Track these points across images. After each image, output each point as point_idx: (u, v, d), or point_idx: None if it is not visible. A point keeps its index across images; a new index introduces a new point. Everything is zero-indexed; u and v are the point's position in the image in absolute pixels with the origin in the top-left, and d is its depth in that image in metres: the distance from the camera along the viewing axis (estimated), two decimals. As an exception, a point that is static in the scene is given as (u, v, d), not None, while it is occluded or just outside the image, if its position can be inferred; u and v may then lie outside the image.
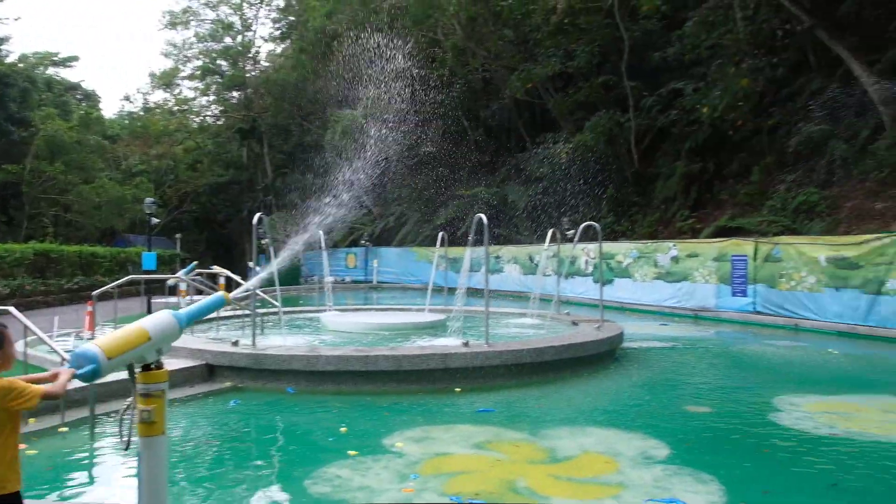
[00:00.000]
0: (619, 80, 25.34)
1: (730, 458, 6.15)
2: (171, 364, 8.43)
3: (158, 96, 76.76)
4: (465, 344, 9.19)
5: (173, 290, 17.22)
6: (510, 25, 27.83)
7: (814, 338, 13.93)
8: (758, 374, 10.49)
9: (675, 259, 18.75)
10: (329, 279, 17.56)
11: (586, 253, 22.30)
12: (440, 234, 16.82)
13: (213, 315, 12.57)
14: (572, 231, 19.26)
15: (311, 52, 39.46)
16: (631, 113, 24.62)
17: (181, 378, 8.44)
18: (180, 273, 14.63)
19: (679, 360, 11.54)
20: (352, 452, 6.03)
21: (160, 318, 3.44)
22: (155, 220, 28.52)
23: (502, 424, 7.08)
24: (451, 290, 16.78)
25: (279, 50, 56.19)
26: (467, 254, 15.55)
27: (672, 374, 10.39)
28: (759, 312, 16.12)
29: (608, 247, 20.89)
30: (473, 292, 16.13)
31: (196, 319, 3.79)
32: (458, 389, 8.57)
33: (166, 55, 58.37)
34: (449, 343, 10.01)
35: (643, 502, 4.92)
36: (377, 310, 16.92)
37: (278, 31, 54.66)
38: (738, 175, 20.84)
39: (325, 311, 14.86)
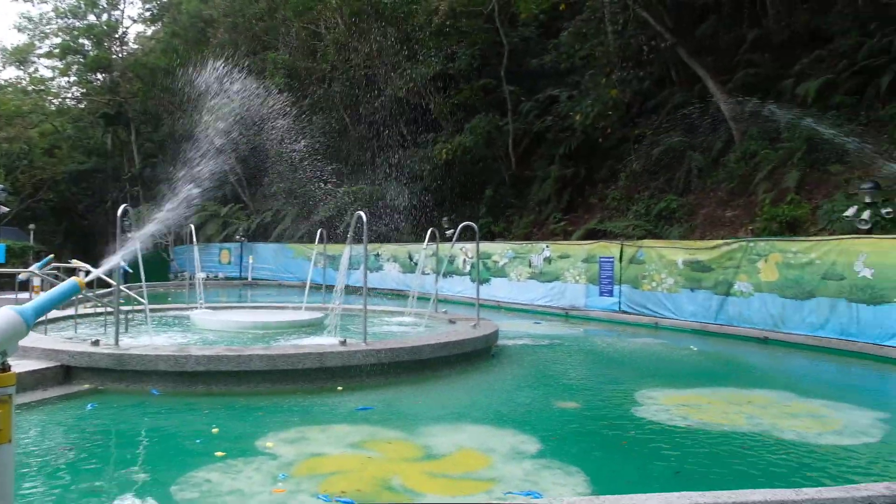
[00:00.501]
0: (498, 84, 26.00)
1: (594, 450, 6.50)
2: (20, 366, 7.82)
3: (10, 73, 70.51)
4: (343, 342, 9.13)
5: (25, 286, 15.90)
6: (393, 23, 27.87)
7: (671, 335, 14.94)
8: (621, 370, 11.12)
9: (548, 260, 19.50)
10: (200, 275, 16.85)
11: (464, 252, 22.73)
12: (319, 231, 16.58)
13: (73, 312, 11.74)
14: (451, 230, 19.58)
15: (184, 38, 37.68)
16: (509, 117, 25.34)
17: (32, 381, 7.82)
18: (34, 267, 13.52)
19: (550, 357, 12.02)
20: (220, 454, 5.84)
21: (1, 315, 3.17)
22: (4, 209, 26.19)
23: (379, 423, 7.09)
24: (330, 288, 16.61)
25: (150, 32, 53.18)
26: (346, 251, 15.42)
27: (544, 370, 10.82)
28: (623, 311, 17.08)
29: (485, 247, 21.40)
30: (352, 290, 16.01)
31: (45, 311, 3.50)
32: (339, 388, 8.51)
33: (20, 29, 53.62)
34: (326, 342, 9.89)
35: (503, 495, 5.10)
36: (252, 307, 16.44)
37: (149, 13, 51.73)
38: (607, 180, 21.99)
39: (195, 308, 14.25)
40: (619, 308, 17.22)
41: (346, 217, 26.02)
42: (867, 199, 12.62)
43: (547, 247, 19.79)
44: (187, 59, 37.15)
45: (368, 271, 15.73)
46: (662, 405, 8.20)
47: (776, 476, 5.66)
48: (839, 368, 11.34)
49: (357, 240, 11.54)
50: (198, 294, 15.40)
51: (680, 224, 17.67)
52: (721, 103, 18.63)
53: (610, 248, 17.64)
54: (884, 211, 12.50)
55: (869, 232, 12.42)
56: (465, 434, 6.85)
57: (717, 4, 22.02)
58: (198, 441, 6.38)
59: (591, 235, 19.44)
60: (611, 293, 17.49)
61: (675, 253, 15.98)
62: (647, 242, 16.95)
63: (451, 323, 12.69)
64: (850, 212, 12.84)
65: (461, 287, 22.52)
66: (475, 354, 10.62)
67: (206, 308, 14.42)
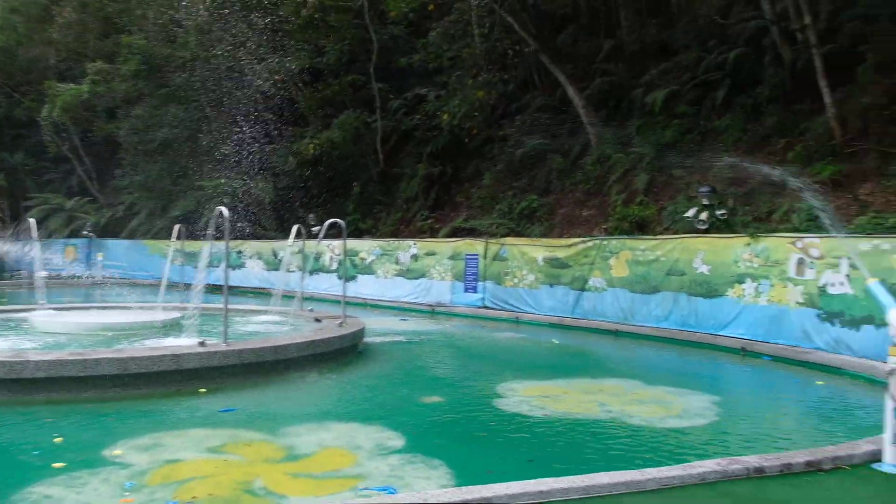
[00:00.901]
0: (367, 80, 25.88)
1: (457, 443, 6.66)
2: None
3: None
4: (201, 343, 8.76)
5: None
6: (259, 13, 26.99)
7: (532, 329, 15.56)
8: (485, 364, 11.46)
9: (415, 257, 19.70)
10: (42, 273, 15.54)
11: (331, 250, 22.47)
12: (176, 227, 15.77)
13: None
14: (318, 227, 19.30)
15: (25, 14, 34.48)
16: (378, 114, 25.30)
17: None
18: None
19: (416, 353, 12.17)
20: (61, 465, 5.44)
21: None
22: None
23: (240, 425, 6.88)
24: (188, 287, 15.84)
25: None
26: (206, 248, 14.80)
27: (410, 366, 10.93)
28: (487, 307, 17.59)
29: (352, 244, 21.27)
30: (212, 289, 15.39)
31: None
32: (202, 390, 8.17)
33: None
34: (183, 343, 9.45)
35: (360, 491, 5.12)
36: (101, 308, 15.36)
37: (-19, -15, 46.88)
38: (473, 179, 22.51)
39: (35, 309, 13.12)
40: (483, 304, 17.71)
41: (206, 212, 24.94)
42: (705, 202, 13.75)
43: (414, 244, 19.98)
44: (29, 38, 34.12)
45: (230, 269, 15.20)
46: (523, 396, 8.54)
47: (625, 459, 6.06)
48: (680, 357, 12.29)
49: (218, 236, 11.11)
50: (38, 294, 14.19)
51: (541, 223, 18.42)
52: (579, 109, 19.60)
53: (475, 246, 18.09)
54: (719, 213, 13.67)
55: (706, 232, 13.55)
56: (331, 432, 6.80)
57: (575, 14, 23.12)
58: (36, 453, 5.89)
59: (457, 233, 19.84)
60: (475, 289, 17.95)
61: (535, 250, 16.65)
62: (510, 240, 17.54)
63: (316, 321, 12.51)
64: (691, 213, 13.94)
65: (328, 284, 22.25)
66: (342, 352, 10.55)
67: (49, 309, 13.31)
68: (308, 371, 9.50)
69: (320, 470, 5.71)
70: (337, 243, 22.21)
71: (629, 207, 16.21)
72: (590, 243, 15.47)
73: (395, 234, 22.48)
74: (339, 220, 13.08)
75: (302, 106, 27.91)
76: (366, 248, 21.39)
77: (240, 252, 25.84)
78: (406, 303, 19.53)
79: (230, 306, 9.87)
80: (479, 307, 17.71)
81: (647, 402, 8.35)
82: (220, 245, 11.14)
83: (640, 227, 15.74)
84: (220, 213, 9.68)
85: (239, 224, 24.17)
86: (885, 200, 12.17)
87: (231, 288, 12.34)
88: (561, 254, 16.00)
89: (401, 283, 20.04)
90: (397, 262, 20.25)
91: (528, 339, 14.22)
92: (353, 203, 25.10)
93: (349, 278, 20.09)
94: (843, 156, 13.39)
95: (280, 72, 25.89)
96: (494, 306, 17.45)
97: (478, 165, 22.50)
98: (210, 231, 11.33)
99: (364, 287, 20.97)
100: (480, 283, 17.82)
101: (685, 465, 5.30)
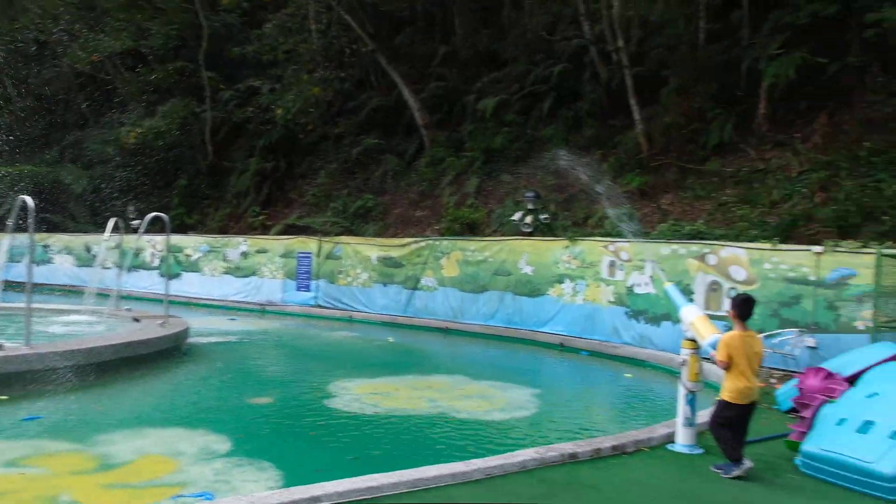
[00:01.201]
0: (196, 68, 24.59)
1: (287, 444, 6.58)
2: None
3: None
4: None
5: None
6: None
7: (365, 328, 15.64)
8: (317, 363, 11.37)
9: (245, 254, 19.06)
10: None
11: (152, 245, 21.13)
12: (-30, 217, 14.12)
13: None
14: (138, 221, 18.08)
15: None
16: (208, 104, 24.15)
17: None
18: None
19: (245, 354, 11.80)
20: None
21: None
22: None
23: (46, 435, 6.33)
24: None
25: None
26: (6, 241, 13.39)
27: (237, 367, 10.58)
28: (320, 306, 17.41)
29: (177, 239, 20.15)
30: (13, 286, 13.93)
31: None
32: (2, 398, 7.38)
33: None
34: (-23, 346, 8.48)
35: (173, 499, 4.93)
36: None
37: None
38: (307, 176, 22.16)
39: None
40: (316, 303, 17.52)
41: (7, 202, 22.48)
42: (529, 206, 14.58)
43: (244, 241, 19.32)
44: None
45: (35, 264, 13.87)
46: (355, 394, 8.59)
47: (454, 450, 6.31)
48: (505, 353, 12.94)
49: (21, 228, 10.08)
50: None
51: (375, 222, 18.56)
52: (414, 111, 19.97)
53: (308, 244, 17.84)
54: (542, 217, 14.56)
55: (530, 235, 14.37)
56: (150, 439, 6.45)
57: (413, 18, 23.52)
58: None
59: (290, 231, 19.44)
60: (308, 288, 17.70)
61: (369, 249, 16.75)
62: (344, 239, 17.49)
63: (135, 321, 11.73)
64: (517, 216, 14.72)
65: (148, 282, 20.91)
66: (163, 354, 9.99)
67: None
68: (125, 375, 8.91)
69: (138, 479, 5.41)
70: (160, 238, 20.93)
71: (460, 209, 16.79)
72: (423, 243, 15.83)
73: (224, 231, 21.59)
74: (162, 213, 12.36)
75: (123, 91, 25.97)
76: (192, 244, 20.33)
77: (46, 246, 23.52)
78: (235, 301, 18.83)
79: (34, 305, 9.01)
80: (312, 306, 17.49)
81: (472, 397, 8.72)
82: (24, 238, 10.14)
83: (471, 229, 16.36)
84: (24, 202, 8.81)
85: (45, 215, 22.04)
86: (682, 210, 13.61)
87: (36, 285, 11.26)
88: (395, 253, 16.23)
89: (229, 281, 19.28)
90: (226, 260, 19.46)
91: (362, 337, 14.27)
92: (178, 196, 23.75)
93: (173, 276, 19.02)
94: (649, 168, 14.79)
95: (98, 51, 23.89)
96: (327, 305, 17.33)
97: (312, 162, 22.20)
98: (11, 222, 10.27)
99: (189, 285, 19.94)
100: (313, 282, 17.61)
101: (507, 454, 5.62)
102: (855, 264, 9.40)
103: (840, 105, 13.14)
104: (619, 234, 12.84)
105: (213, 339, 12.82)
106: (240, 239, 19.49)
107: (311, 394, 8.75)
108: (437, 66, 21.98)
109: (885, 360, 7.12)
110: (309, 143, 22.71)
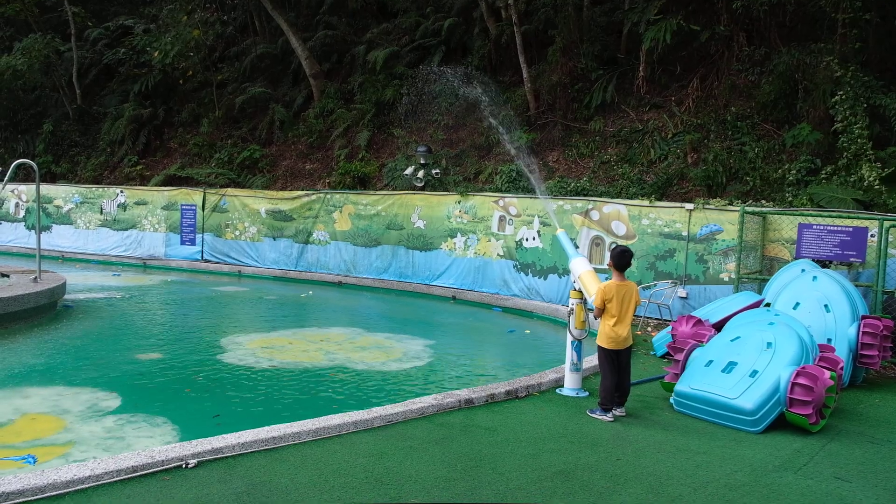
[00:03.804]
0: (59, 1, 22.62)
1: (181, 400, 6.47)
2: None
3: None
4: None
5: None
6: None
7: (255, 282, 15.34)
8: (207, 319, 11.09)
9: (123, 206, 18.06)
10: None
11: (17, 195, 19.57)
12: None
13: None
14: (0, 169, 16.65)
15: None
16: (73, 42, 22.33)
17: None
18: None
19: (128, 310, 11.32)
20: None
21: None
22: None
23: (-89, 398, 5.91)
24: None
25: None
26: None
27: (122, 323, 10.16)
28: (207, 260, 16.87)
29: (46, 189, 18.77)
30: None
31: None
32: None
33: None
34: None
35: None
36: None
37: None
38: (189, 125, 21.10)
39: None
40: (202, 257, 16.95)
41: None
42: (421, 161, 14.68)
43: (121, 192, 18.27)
44: None
45: None
46: (248, 349, 8.51)
47: (353, 400, 6.45)
48: (399, 306, 13.12)
49: None
50: None
51: (263, 174, 18.05)
52: (302, 60, 19.38)
53: (192, 196, 17.14)
54: (434, 171, 14.71)
55: (422, 189, 14.51)
56: (33, 398, 6.17)
57: (300, -39, 22.65)
58: None
59: (172, 182, 18.54)
60: (193, 242, 17.08)
61: (258, 202, 16.32)
62: (230, 191, 16.93)
63: (4, 276, 10.94)
64: (409, 171, 14.79)
65: (13, 236, 19.43)
66: (38, 311, 9.45)
67: None
68: (-4, 333, 8.38)
69: (22, 439, 5.19)
70: (25, 188, 19.41)
71: (352, 163, 16.64)
72: (314, 196, 15.61)
73: (98, 181, 20.30)
74: (28, 160, 11.47)
75: (-28, 23, 23.53)
76: (62, 194, 18.99)
77: None
78: (114, 256, 17.88)
79: None
80: (198, 260, 16.91)
81: (369, 348, 8.87)
82: None
83: (363, 183, 16.29)
84: None
85: None
86: (567, 167, 14.18)
87: None
88: (285, 206, 15.92)
89: (106, 234, 18.24)
90: (101, 212, 18.35)
91: (252, 291, 14.01)
92: (43, 143, 22.00)
93: (43, 228, 17.76)
94: (537, 126, 15.23)
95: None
96: (215, 259, 16.81)
97: (194, 110, 21.15)
98: None
99: (61, 238, 18.71)
100: (199, 236, 16.99)
101: (407, 402, 5.82)
102: (721, 221, 10.24)
103: (710, 71, 14.02)
104: (510, 190, 13.22)
105: (92, 295, 12.20)
106: (116, 189, 18.41)
107: (203, 349, 8.59)
108: (326, 15, 21.37)
109: (746, 308, 7.90)
110: (190, 90, 21.60)
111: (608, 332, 5.91)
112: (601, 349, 5.98)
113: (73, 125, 22.48)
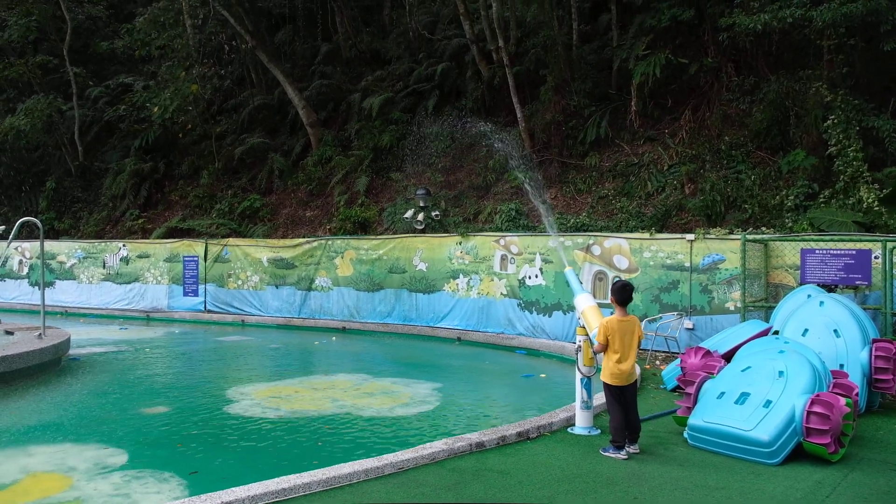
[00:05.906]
0: (60, 63, 23.05)
1: (189, 453, 6.38)
2: None
3: None
4: None
5: None
6: None
7: (259, 331, 15.27)
8: (212, 370, 11.02)
9: (126, 260, 18.11)
10: None
11: (21, 252, 19.65)
12: None
13: None
14: (3, 227, 16.74)
15: None
16: (75, 101, 22.69)
17: None
18: None
19: (133, 363, 11.26)
20: None
21: None
22: None
23: (-85, 463, 5.83)
24: None
25: None
26: None
27: (127, 377, 10.09)
28: (210, 311, 16.84)
29: (49, 245, 18.85)
30: None
31: None
32: None
33: None
34: None
35: None
36: None
37: None
38: (189, 177, 21.29)
39: None
40: (205, 308, 16.93)
41: None
42: (421, 204, 14.77)
43: (124, 245, 18.34)
44: None
45: None
46: (255, 399, 8.43)
47: (362, 448, 6.36)
48: (404, 349, 13.03)
49: None
50: None
51: (264, 223, 18.14)
52: (299, 109, 19.65)
53: (194, 247, 17.19)
54: (433, 213, 14.79)
55: (423, 231, 14.56)
56: (37, 457, 6.10)
57: (293, 15, 23.12)
58: None
59: (174, 234, 18.63)
60: (196, 293, 17.07)
61: (259, 251, 16.37)
62: (232, 241, 16.99)
63: (8, 334, 10.92)
64: (409, 214, 14.86)
65: (17, 292, 19.47)
66: (43, 367, 9.40)
67: None
68: (1, 391, 8.31)
69: (27, 499, 5.12)
70: (28, 245, 19.51)
71: (352, 208, 16.73)
72: (315, 243, 15.66)
73: (101, 235, 20.41)
74: (32, 218, 11.55)
75: (-25, 87, 23.95)
76: (65, 250, 19.07)
77: None
78: (117, 309, 17.85)
79: None
80: (201, 311, 16.89)
81: (376, 394, 8.78)
82: None
83: (363, 228, 16.35)
84: None
85: None
86: (566, 203, 14.25)
87: None
88: (286, 254, 15.95)
89: (109, 288, 18.25)
90: (104, 266, 18.40)
91: (256, 341, 13.94)
92: (46, 200, 22.20)
93: (46, 285, 17.77)
94: (533, 164, 15.35)
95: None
96: (218, 309, 16.78)
97: (194, 162, 21.36)
98: None
99: (64, 294, 18.72)
100: (201, 286, 16.99)
101: (417, 447, 5.74)
102: (723, 250, 10.25)
103: (701, 102, 14.20)
104: (510, 229, 13.26)
105: (96, 350, 12.15)
106: (119, 243, 18.48)
107: (209, 401, 8.50)
108: (321, 65, 21.75)
109: (755, 336, 7.85)
110: (189, 143, 21.86)
111: (612, 369, 5.86)
112: (606, 386, 5.93)
113: (76, 181, 22.71)
